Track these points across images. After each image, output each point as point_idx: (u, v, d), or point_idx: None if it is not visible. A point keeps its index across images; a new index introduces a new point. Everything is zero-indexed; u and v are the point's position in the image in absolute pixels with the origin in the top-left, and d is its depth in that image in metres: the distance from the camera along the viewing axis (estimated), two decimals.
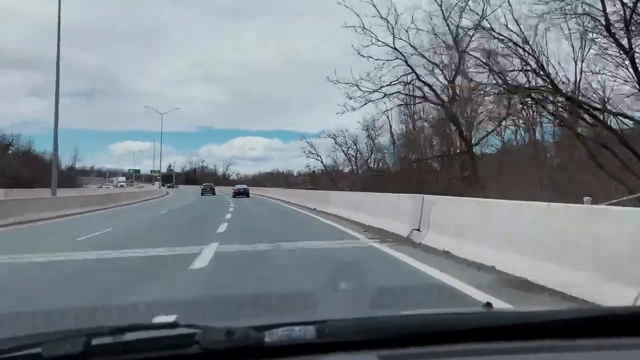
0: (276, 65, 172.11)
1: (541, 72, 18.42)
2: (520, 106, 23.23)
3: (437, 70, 26.58)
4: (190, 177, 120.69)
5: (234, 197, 42.85)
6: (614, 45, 16.09)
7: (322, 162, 52.65)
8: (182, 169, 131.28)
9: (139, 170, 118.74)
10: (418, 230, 9.51)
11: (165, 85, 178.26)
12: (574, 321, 1.34)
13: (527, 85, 18.94)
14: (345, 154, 46.81)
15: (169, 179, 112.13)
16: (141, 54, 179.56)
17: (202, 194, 52.65)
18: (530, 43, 18.45)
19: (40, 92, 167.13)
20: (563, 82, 19.02)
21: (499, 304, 4.23)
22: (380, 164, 42.27)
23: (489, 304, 1.59)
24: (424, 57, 25.34)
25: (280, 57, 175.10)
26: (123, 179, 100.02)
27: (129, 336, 1.15)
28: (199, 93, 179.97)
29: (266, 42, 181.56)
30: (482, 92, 22.63)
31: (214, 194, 54.52)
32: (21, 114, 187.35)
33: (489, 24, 19.36)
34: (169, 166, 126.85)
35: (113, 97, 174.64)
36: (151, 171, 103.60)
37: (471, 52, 22.08)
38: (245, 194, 45.34)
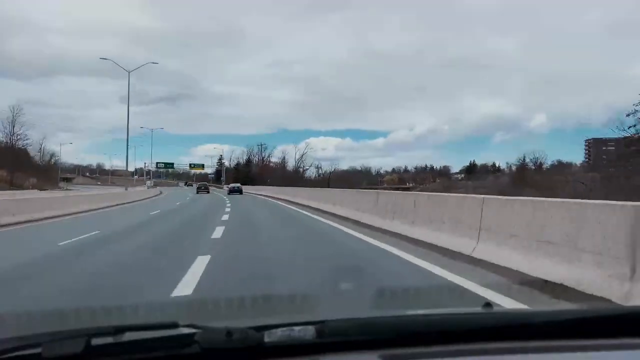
0: (349, 62, 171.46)
1: None
2: None
3: None
4: (256, 174, 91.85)
5: (228, 194, 51.53)
6: None
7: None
8: (236, 163, 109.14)
9: (173, 164, 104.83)
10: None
11: (242, 87, 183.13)
12: (574, 321, 1.34)
13: None
14: None
15: (217, 175, 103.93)
16: (220, 57, 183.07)
17: (197, 192, 60.08)
18: None
19: (131, 100, 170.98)
20: None
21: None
22: None
23: (488, 304, 1.59)
24: None
25: (352, 55, 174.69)
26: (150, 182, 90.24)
27: (129, 336, 1.15)
28: (274, 94, 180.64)
29: (340, 39, 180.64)
30: None
31: (208, 192, 61.06)
32: (114, 119, 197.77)
33: None
34: (220, 158, 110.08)
35: (194, 100, 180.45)
36: (157, 164, 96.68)
37: None
38: (239, 191, 54.76)
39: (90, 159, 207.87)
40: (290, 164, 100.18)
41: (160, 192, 60.24)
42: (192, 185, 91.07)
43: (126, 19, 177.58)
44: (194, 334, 1.14)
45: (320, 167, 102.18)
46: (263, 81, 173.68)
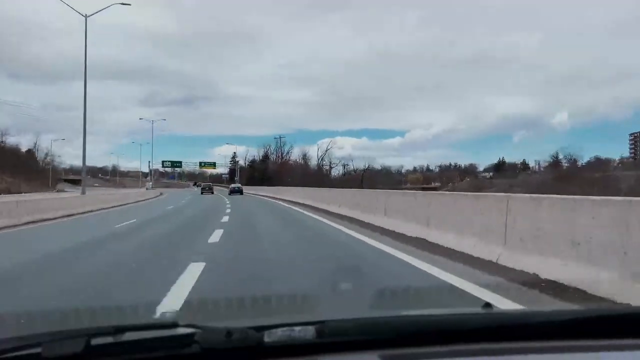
0: (364, 62, 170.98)
1: None
2: None
3: None
4: (274, 172, 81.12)
5: (229, 194, 51.79)
6: None
7: None
8: (251, 160, 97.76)
9: (180, 162, 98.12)
10: None
11: (257, 88, 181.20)
12: (574, 322, 1.34)
13: None
14: None
15: (231, 174, 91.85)
16: (235, 58, 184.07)
17: (201, 193, 59.94)
18: None
19: (148, 102, 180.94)
20: None
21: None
22: None
23: (488, 305, 1.59)
24: None
25: (368, 54, 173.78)
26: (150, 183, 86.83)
27: (129, 336, 1.15)
28: (289, 94, 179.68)
29: (356, 39, 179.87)
30: None
31: (212, 193, 60.22)
32: (132, 122, 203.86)
33: None
34: (233, 156, 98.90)
35: (210, 102, 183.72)
36: (162, 162, 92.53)
37: None
38: (239, 192, 55.07)
39: (111, 161, 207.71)
40: (311, 164, 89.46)
41: (160, 194, 58.09)
42: (200, 186, 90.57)
43: (144, 22, 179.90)
44: (193, 334, 1.14)
45: (349, 164, 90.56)
46: (278, 82, 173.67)
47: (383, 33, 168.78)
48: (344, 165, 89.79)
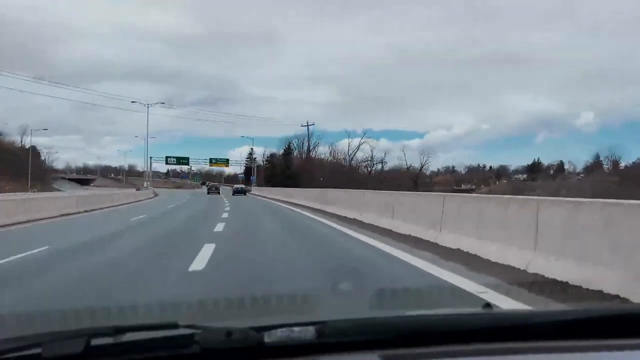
0: (384, 62, 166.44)
1: None
2: None
3: None
4: (299, 169, 67.47)
5: (233, 194, 53.40)
6: None
7: None
8: (270, 155, 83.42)
9: (187, 158, 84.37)
10: None
11: (277, 88, 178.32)
12: (574, 322, 1.34)
13: None
14: None
15: (247, 173, 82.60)
16: (256, 59, 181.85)
17: (208, 193, 61.51)
18: None
19: (169, 103, 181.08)
20: None
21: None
22: None
23: (488, 305, 1.59)
24: None
25: (387, 54, 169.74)
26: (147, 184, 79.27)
27: (129, 336, 1.15)
28: (310, 94, 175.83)
29: (376, 38, 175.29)
30: None
31: (218, 193, 61.45)
32: (152, 122, 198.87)
33: None
34: (250, 153, 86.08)
35: (229, 103, 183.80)
36: (166, 159, 79.11)
37: None
38: (243, 192, 56.60)
39: (127, 161, 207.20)
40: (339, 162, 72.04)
41: (155, 195, 54.07)
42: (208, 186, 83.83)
43: (165, 23, 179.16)
44: (194, 334, 1.14)
45: (407, 160, 75.59)
46: (298, 82, 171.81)
47: (403, 32, 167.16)
48: (380, 162, 73.50)
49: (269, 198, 42.96)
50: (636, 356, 1.25)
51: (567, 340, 1.26)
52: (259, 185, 70.01)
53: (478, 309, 1.50)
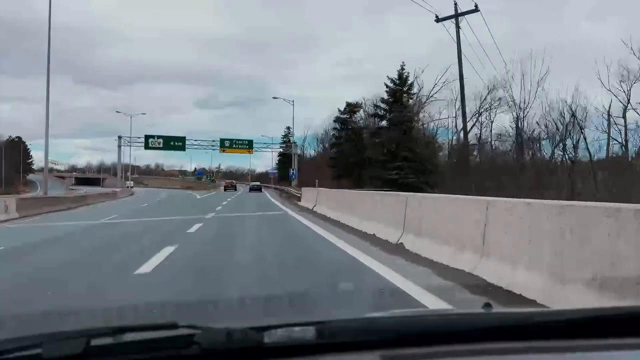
0: (420, 57, 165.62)
1: None
2: None
3: None
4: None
5: (249, 191, 56.60)
6: None
7: None
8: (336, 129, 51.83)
9: (184, 137, 59.49)
10: None
11: (311, 88, 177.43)
12: (574, 322, 1.34)
13: None
14: None
15: (284, 165, 64.34)
16: (290, 59, 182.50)
17: (224, 190, 64.78)
18: None
19: (203, 104, 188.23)
20: None
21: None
22: None
23: (488, 305, 1.59)
24: None
25: (424, 49, 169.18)
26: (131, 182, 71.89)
27: (129, 337, 1.15)
28: (343, 93, 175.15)
29: (412, 34, 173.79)
30: None
31: (235, 189, 65.81)
32: (189, 123, 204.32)
33: None
34: (285, 135, 65.67)
35: (263, 104, 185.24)
36: (146, 137, 58.35)
37: None
38: (259, 189, 58.79)
39: (155, 160, 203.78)
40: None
41: (132, 194, 47.59)
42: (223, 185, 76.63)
43: (201, 25, 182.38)
44: (193, 334, 1.14)
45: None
46: (332, 81, 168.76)
47: (441, 27, 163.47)
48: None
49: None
50: (636, 356, 1.25)
51: (568, 340, 1.26)
52: (300, 184, 41.10)
53: (478, 309, 1.50)
